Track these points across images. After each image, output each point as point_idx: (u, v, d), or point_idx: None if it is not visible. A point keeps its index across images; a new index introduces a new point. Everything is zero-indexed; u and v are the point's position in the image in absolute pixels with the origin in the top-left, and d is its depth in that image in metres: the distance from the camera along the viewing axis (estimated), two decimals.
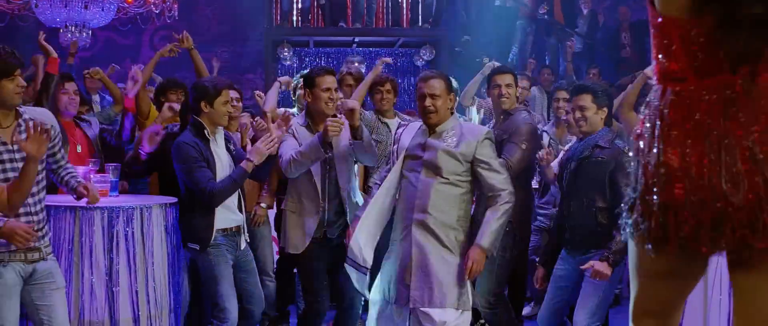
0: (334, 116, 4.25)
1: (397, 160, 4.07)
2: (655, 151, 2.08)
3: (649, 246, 2.12)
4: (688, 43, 1.99)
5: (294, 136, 4.42)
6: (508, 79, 4.80)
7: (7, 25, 9.95)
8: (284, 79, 5.90)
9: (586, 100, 4.23)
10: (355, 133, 4.26)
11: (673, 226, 2.07)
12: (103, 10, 9.40)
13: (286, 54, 10.82)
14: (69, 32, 9.57)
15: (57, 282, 3.63)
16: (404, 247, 3.95)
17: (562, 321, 4.46)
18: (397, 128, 4.23)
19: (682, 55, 2.02)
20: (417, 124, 4.19)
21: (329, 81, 4.45)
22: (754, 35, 1.91)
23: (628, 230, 2.20)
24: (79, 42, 9.67)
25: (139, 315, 3.97)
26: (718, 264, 3.13)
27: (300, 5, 10.89)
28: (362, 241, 4.06)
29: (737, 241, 2.02)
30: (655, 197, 2.08)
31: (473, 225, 4.00)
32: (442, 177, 3.93)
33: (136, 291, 3.95)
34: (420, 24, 10.83)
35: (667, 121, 2.05)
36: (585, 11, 10.80)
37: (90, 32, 9.70)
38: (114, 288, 3.87)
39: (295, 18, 10.98)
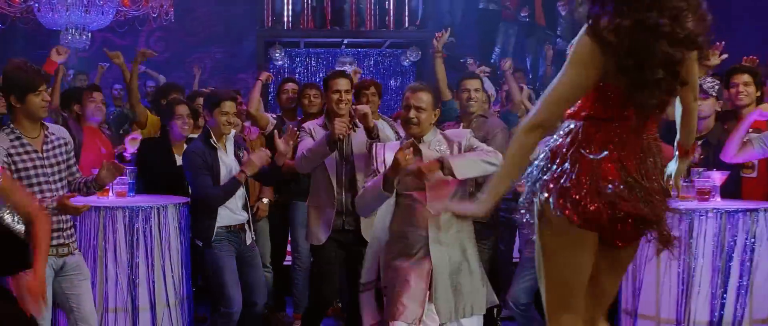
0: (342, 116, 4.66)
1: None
2: (600, 157, 2.61)
3: (577, 223, 2.63)
4: (609, 98, 2.56)
5: (311, 136, 4.71)
6: (476, 84, 5.25)
7: (8, 27, 10.34)
8: (264, 75, 6.33)
9: None
10: (370, 133, 4.61)
11: (609, 217, 2.60)
12: (102, 13, 9.83)
13: (278, 54, 11.29)
14: (70, 34, 9.99)
15: (84, 274, 4.11)
16: (423, 266, 3.89)
17: (530, 300, 4.88)
18: (375, 147, 4.20)
19: (605, 105, 2.59)
20: (395, 143, 4.29)
21: (340, 84, 4.80)
22: (655, 91, 2.49)
23: (543, 206, 2.70)
24: (79, 44, 10.15)
25: (155, 302, 4.46)
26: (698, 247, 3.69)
27: (291, 8, 11.34)
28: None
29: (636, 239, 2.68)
30: (609, 187, 2.59)
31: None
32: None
33: (154, 282, 4.44)
34: (406, 26, 11.33)
35: (597, 143, 2.60)
36: (563, 13, 11.28)
37: (89, 35, 10.11)
38: (135, 280, 4.37)
39: (286, 20, 11.44)
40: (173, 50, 11.57)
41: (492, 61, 10.71)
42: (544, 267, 2.78)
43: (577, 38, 2.59)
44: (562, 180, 2.61)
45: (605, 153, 2.59)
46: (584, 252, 2.69)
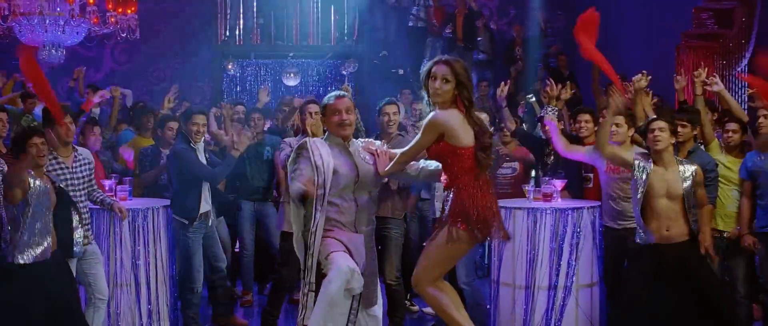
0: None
1: (328, 177, 4.52)
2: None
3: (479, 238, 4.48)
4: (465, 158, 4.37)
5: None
6: (394, 109, 6.43)
7: None
8: (214, 110, 8.14)
9: None
10: None
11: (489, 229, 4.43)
12: (77, 33, 11.32)
13: (230, 66, 12.94)
14: (46, 51, 11.45)
15: (98, 258, 5.76)
16: (368, 257, 4.68)
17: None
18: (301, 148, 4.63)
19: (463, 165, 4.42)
20: (317, 140, 4.68)
21: (311, 107, 6.14)
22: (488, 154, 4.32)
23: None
24: (53, 60, 11.63)
25: (150, 279, 6.13)
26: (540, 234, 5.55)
27: (242, 24, 12.96)
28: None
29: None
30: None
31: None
32: (373, 189, 4.77)
33: (149, 263, 6.11)
34: (345, 40, 13.05)
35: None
36: (479, 27, 13.07)
37: (64, 51, 11.59)
38: (136, 262, 6.04)
39: (238, 34, 13.06)
40: (136, 62, 13.12)
41: (421, 70, 12.44)
42: (443, 256, 4.56)
43: None
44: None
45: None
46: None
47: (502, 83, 7.14)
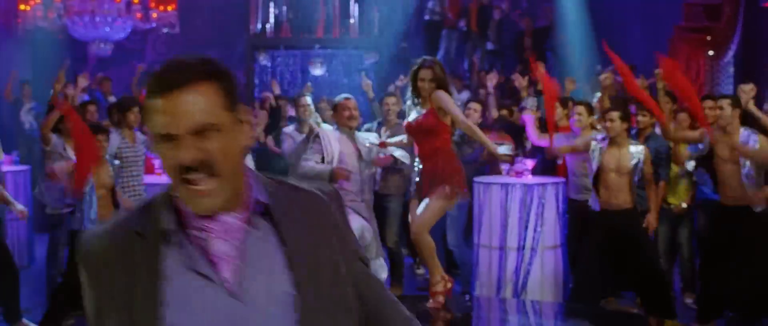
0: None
1: (335, 159, 6.38)
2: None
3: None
4: (447, 131, 5.84)
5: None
6: (393, 100, 8.02)
7: (45, 37, 13.39)
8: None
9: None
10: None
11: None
12: (123, 29, 12.91)
13: (262, 56, 14.49)
14: (96, 45, 13.07)
15: None
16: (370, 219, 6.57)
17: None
18: (316, 136, 6.59)
19: (446, 136, 5.86)
20: (328, 130, 6.73)
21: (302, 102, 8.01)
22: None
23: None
24: (101, 53, 13.24)
25: None
26: (512, 204, 7.01)
27: (274, 18, 14.47)
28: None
29: None
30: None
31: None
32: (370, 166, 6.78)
33: None
34: (368, 32, 14.50)
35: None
36: (497, 17, 14.46)
37: (112, 45, 13.18)
38: None
39: (269, 27, 14.57)
40: (176, 52, 14.65)
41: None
42: (439, 210, 6.05)
43: None
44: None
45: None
46: None
47: (495, 71, 8.61)
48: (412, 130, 6.19)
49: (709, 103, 7.14)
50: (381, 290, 1.96)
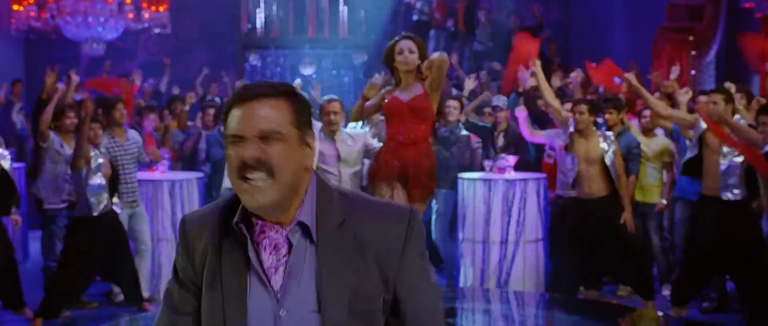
0: None
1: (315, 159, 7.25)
2: None
3: None
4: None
5: None
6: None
7: (37, 38, 13.63)
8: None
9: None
10: None
11: None
12: (116, 29, 13.14)
13: (252, 56, 14.77)
14: (88, 45, 13.30)
15: (144, 218, 7.54)
16: None
17: None
18: None
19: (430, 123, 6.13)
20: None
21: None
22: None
23: None
24: (94, 53, 13.46)
25: None
26: (494, 199, 7.29)
27: (265, 19, 14.73)
28: None
29: None
30: None
31: None
32: (355, 166, 6.81)
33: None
34: (357, 32, 14.78)
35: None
36: (483, 20, 14.77)
37: (104, 45, 13.41)
38: (175, 220, 7.85)
39: (259, 28, 14.83)
40: (167, 52, 14.92)
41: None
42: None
43: None
44: None
45: None
46: None
47: (472, 77, 8.91)
48: (400, 109, 5.41)
49: (703, 97, 7.49)
50: (425, 304, 2.10)
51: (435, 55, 5.46)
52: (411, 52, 5.37)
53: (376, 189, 5.49)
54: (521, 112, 7.93)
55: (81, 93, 10.71)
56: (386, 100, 5.53)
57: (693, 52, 12.64)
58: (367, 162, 6.84)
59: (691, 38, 12.67)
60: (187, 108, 9.77)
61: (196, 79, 13.05)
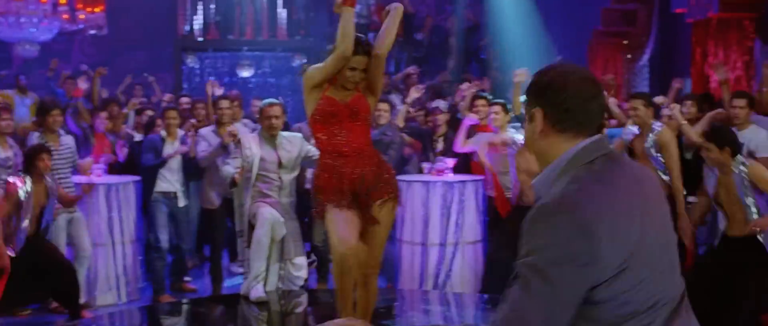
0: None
1: (255, 164, 6.44)
2: None
3: None
4: None
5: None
6: None
7: None
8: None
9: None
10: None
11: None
12: (50, 30, 12.98)
13: (190, 58, 14.68)
14: (21, 46, 13.10)
15: (83, 224, 7.45)
16: (288, 220, 6.52)
17: None
18: (238, 141, 6.65)
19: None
20: (250, 135, 6.77)
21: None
22: None
23: None
24: (27, 54, 13.28)
25: (124, 240, 7.88)
26: (432, 201, 7.36)
27: (202, 20, 14.67)
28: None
29: None
30: None
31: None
32: (294, 171, 6.65)
33: (123, 227, 7.86)
34: (295, 35, 14.81)
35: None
36: (420, 38, 14.90)
37: (38, 46, 13.22)
38: (111, 227, 7.79)
39: (196, 29, 14.78)
40: (104, 54, 14.76)
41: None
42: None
43: None
44: None
45: None
46: None
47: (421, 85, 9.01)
48: (343, 112, 4.85)
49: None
50: None
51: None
52: (362, 72, 4.84)
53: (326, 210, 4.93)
54: (471, 121, 7.97)
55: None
56: (319, 101, 4.88)
57: (628, 56, 12.93)
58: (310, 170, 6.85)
59: (625, 42, 12.97)
60: (126, 111, 9.72)
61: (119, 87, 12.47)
